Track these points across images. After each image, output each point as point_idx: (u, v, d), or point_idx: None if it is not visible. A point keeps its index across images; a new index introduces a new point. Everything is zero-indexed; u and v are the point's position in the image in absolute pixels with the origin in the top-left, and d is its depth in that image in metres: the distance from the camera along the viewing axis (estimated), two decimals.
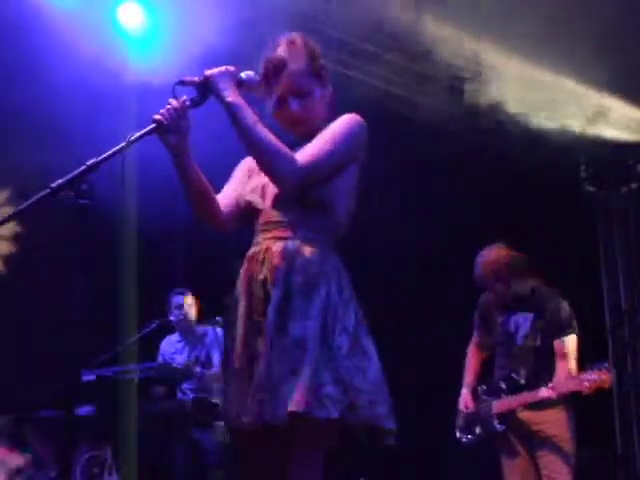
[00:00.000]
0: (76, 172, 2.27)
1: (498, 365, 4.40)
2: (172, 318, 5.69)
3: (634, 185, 6.67)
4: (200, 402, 5.36)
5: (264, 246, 2.46)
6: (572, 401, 4.24)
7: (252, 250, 2.51)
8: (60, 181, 2.27)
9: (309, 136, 2.51)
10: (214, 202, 2.62)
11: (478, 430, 4.35)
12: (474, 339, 4.63)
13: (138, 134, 2.37)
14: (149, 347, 5.53)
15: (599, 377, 4.03)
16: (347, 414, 2.29)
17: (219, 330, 5.60)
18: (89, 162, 2.29)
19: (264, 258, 2.44)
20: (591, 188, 6.77)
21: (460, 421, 4.45)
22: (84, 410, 4.92)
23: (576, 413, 4.26)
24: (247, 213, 2.58)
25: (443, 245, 6.20)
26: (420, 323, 6.12)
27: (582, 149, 6.38)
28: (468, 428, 4.40)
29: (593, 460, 5.42)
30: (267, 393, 2.27)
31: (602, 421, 6.17)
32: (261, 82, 2.51)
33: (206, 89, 2.41)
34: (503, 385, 4.26)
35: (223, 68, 2.40)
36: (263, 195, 2.54)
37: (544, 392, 4.09)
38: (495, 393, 4.30)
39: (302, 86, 2.52)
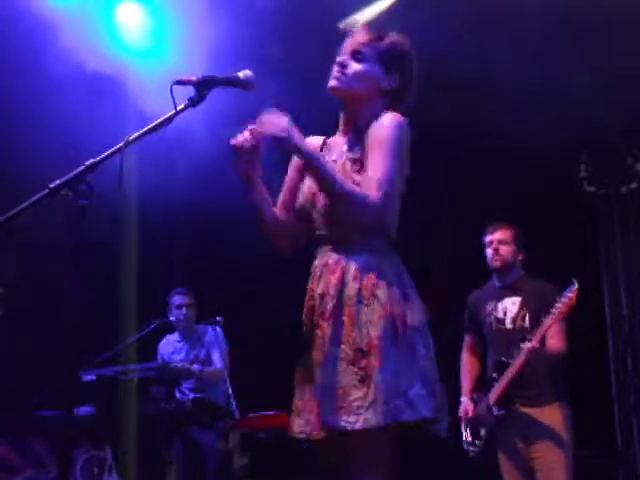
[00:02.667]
0: (75, 172, 2.28)
1: (490, 357, 4.38)
2: (172, 318, 5.68)
3: (634, 185, 6.66)
4: (199, 402, 5.36)
5: (322, 260, 2.51)
6: (569, 399, 4.23)
7: (314, 264, 2.55)
8: (59, 181, 2.27)
9: (340, 96, 2.55)
10: (278, 225, 2.65)
11: (483, 432, 4.31)
12: (466, 343, 4.61)
13: (136, 133, 2.36)
14: (149, 347, 5.53)
15: (567, 298, 4.05)
16: (436, 413, 2.32)
17: (218, 329, 5.61)
18: (88, 162, 2.29)
19: (322, 272, 2.49)
20: (591, 188, 6.76)
21: (464, 431, 4.39)
22: (84, 410, 4.92)
23: (574, 412, 4.25)
24: (301, 217, 2.60)
25: (443, 245, 6.20)
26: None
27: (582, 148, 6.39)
28: (474, 435, 4.34)
29: (593, 459, 5.41)
30: (333, 401, 2.28)
31: (602, 420, 6.16)
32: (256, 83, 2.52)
33: (203, 88, 2.42)
34: (495, 375, 4.24)
35: (278, 117, 2.40)
36: (314, 203, 2.54)
37: (526, 346, 4.04)
38: (489, 387, 4.28)
39: (361, 52, 2.54)
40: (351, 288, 2.38)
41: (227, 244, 6.69)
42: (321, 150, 2.62)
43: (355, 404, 2.26)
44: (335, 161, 2.53)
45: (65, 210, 2.29)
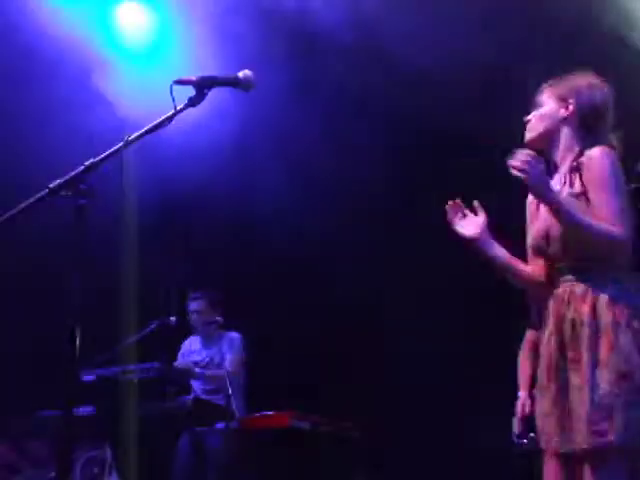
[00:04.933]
0: (74, 172, 2.28)
1: None
2: (190, 321, 5.77)
3: (634, 185, 6.64)
4: (200, 403, 5.36)
5: (567, 288, 2.66)
6: None
7: (558, 291, 2.68)
8: (59, 181, 2.28)
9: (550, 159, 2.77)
10: (523, 272, 2.86)
11: (533, 433, 4.24)
12: (527, 339, 4.55)
13: (136, 133, 2.36)
14: (149, 347, 5.52)
15: None
16: None
17: (236, 335, 5.69)
18: (87, 162, 2.29)
19: (569, 300, 2.64)
20: None
21: (517, 427, 4.38)
22: (84, 410, 4.91)
23: None
24: (539, 256, 2.79)
25: (442, 245, 6.19)
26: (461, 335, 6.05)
27: None
28: (529, 430, 4.27)
29: None
30: (601, 424, 2.47)
31: None
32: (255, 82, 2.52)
33: (203, 88, 2.42)
34: None
35: (531, 161, 2.56)
36: (547, 238, 2.71)
37: None
38: None
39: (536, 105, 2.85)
40: (606, 317, 2.56)
41: (228, 244, 6.69)
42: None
43: (621, 424, 2.46)
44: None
45: (65, 210, 2.29)
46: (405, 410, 6.04)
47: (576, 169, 2.70)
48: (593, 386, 2.50)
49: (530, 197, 2.89)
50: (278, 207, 5.97)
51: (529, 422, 4.30)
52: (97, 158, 2.30)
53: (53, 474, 4.85)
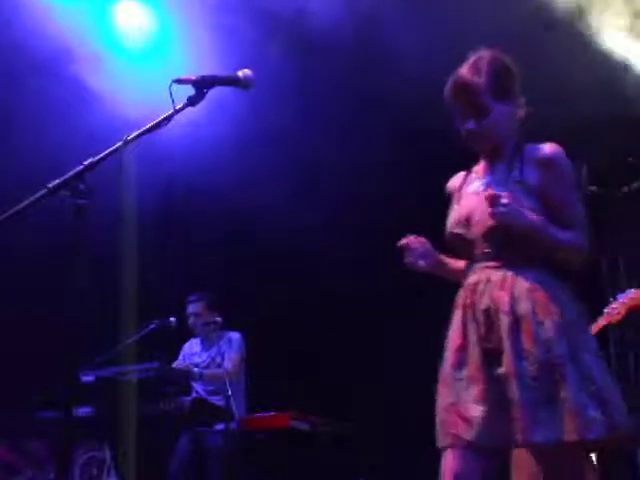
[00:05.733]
0: (73, 172, 2.27)
1: None
2: (188, 323, 5.78)
3: (636, 184, 6.64)
4: (199, 403, 5.35)
5: (483, 276, 2.56)
6: None
7: (471, 280, 2.59)
8: (57, 181, 2.27)
9: (495, 153, 2.64)
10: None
11: None
12: None
13: (135, 133, 2.35)
14: (149, 348, 5.51)
15: (627, 299, 4.08)
16: (611, 432, 2.40)
17: (236, 335, 5.69)
18: (86, 162, 2.28)
19: (484, 288, 2.54)
20: (592, 188, 6.74)
21: None
22: (83, 411, 4.90)
23: None
24: (457, 243, 2.68)
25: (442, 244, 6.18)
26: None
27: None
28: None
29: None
30: (526, 419, 2.36)
31: None
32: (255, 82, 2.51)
33: (203, 87, 2.41)
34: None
35: (505, 200, 2.45)
36: (468, 225, 2.62)
37: None
38: None
39: (478, 105, 2.58)
40: (525, 306, 2.46)
41: (227, 243, 6.69)
42: (463, 184, 2.73)
43: (545, 420, 2.36)
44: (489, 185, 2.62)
45: (64, 209, 2.29)
46: (405, 410, 6.03)
47: (519, 157, 2.60)
48: (520, 379, 2.39)
49: (451, 184, 2.81)
50: (278, 207, 5.97)
51: None
52: (96, 158, 2.29)
53: (52, 475, 4.85)
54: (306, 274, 6.32)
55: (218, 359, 5.48)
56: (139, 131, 2.37)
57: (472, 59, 2.62)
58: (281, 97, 5.33)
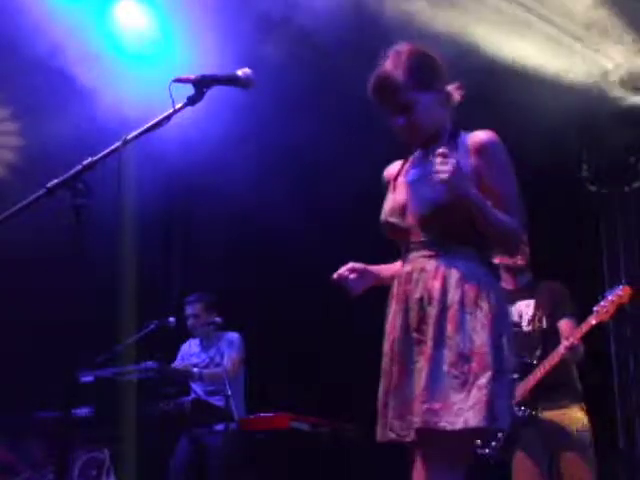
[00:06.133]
0: (72, 172, 2.27)
1: None
2: (188, 326, 5.77)
3: (636, 184, 6.64)
4: (199, 404, 5.35)
5: (417, 265, 2.54)
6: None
7: (406, 269, 2.57)
8: (56, 181, 2.27)
9: (429, 142, 2.59)
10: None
11: (500, 433, 4.25)
12: None
13: (134, 132, 2.35)
14: (148, 348, 5.51)
15: (615, 296, 4.05)
16: (509, 427, 2.43)
17: (234, 335, 5.68)
18: (85, 161, 2.28)
19: (418, 278, 2.52)
20: (592, 187, 6.74)
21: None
22: (82, 411, 4.90)
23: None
24: (391, 232, 2.65)
25: None
26: None
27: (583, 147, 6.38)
28: (490, 438, 4.25)
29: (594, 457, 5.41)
30: (435, 402, 2.36)
31: (604, 421, 6.15)
32: (255, 81, 2.49)
33: (202, 86, 2.40)
34: (515, 375, 4.21)
35: (451, 167, 2.39)
36: (403, 214, 2.59)
37: (564, 344, 4.04)
38: None
39: (403, 102, 2.54)
40: (454, 294, 2.44)
41: (228, 243, 6.68)
42: (399, 173, 2.70)
43: (456, 407, 2.35)
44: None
45: (64, 209, 2.28)
46: None
47: (453, 145, 2.55)
48: (433, 365, 2.38)
49: (388, 173, 2.77)
50: (279, 207, 5.96)
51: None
52: (95, 157, 2.29)
53: (52, 475, 4.84)
54: (307, 274, 6.31)
55: (217, 359, 5.47)
56: (138, 130, 2.37)
57: (390, 55, 2.58)
58: (282, 98, 5.32)
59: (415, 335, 2.47)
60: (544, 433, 4.17)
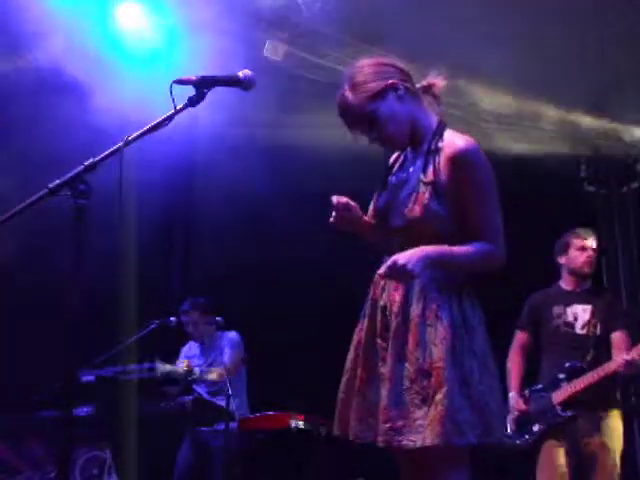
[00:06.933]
0: (74, 172, 2.28)
1: (551, 359, 4.40)
2: (188, 332, 5.78)
3: (634, 185, 6.66)
4: (200, 403, 5.36)
5: None
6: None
7: (379, 271, 2.51)
8: (58, 181, 2.28)
9: (415, 141, 2.57)
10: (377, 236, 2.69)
11: (537, 427, 4.34)
12: (518, 340, 4.64)
13: (136, 133, 2.36)
14: (149, 348, 5.52)
15: None
16: (484, 438, 2.36)
17: (234, 334, 5.69)
18: (87, 162, 2.29)
19: (384, 285, 2.51)
20: (591, 188, 6.76)
21: (511, 424, 4.43)
22: (83, 410, 4.92)
23: None
24: (377, 227, 2.65)
25: None
26: None
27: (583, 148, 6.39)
28: (523, 429, 4.39)
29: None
30: (397, 421, 2.35)
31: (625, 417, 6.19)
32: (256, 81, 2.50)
33: (203, 87, 2.41)
34: (561, 376, 4.28)
35: (400, 263, 2.35)
36: (386, 216, 2.59)
37: (625, 357, 4.11)
38: (552, 387, 4.32)
39: (364, 118, 2.53)
40: (415, 308, 2.42)
41: (228, 243, 6.69)
42: (395, 163, 2.68)
43: (418, 422, 2.34)
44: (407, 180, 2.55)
45: (65, 210, 2.29)
46: None
47: (434, 153, 2.49)
48: (396, 381, 2.37)
49: (391, 160, 2.71)
50: (279, 207, 5.97)
51: (521, 421, 4.37)
52: (97, 158, 2.30)
53: (52, 475, 4.85)
54: (307, 274, 6.32)
55: (219, 360, 5.49)
56: (140, 131, 2.38)
57: (345, 77, 2.57)
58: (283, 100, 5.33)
59: (379, 341, 2.47)
60: (581, 434, 4.26)
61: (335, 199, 2.59)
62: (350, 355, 2.60)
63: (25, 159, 5.07)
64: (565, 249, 4.53)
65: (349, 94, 2.53)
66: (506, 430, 4.40)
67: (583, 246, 4.49)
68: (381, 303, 2.50)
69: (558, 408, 4.24)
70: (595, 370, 4.18)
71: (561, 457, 4.27)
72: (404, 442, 2.33)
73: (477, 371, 2.38)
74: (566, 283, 4.52)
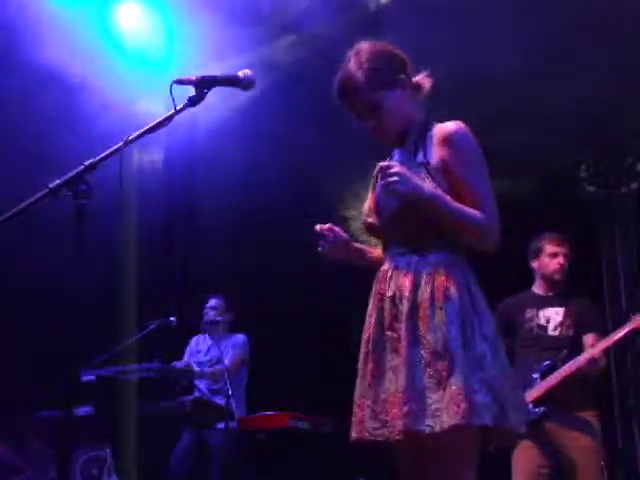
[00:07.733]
0: (74, 172, 2.28)
1: (526, 362, 4.36)
2: (204, 318, 5.76)
3: (634, 185, 6.66)
4: (200, 402, 5.36)
5: (392, 264, 2.52)
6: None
7: (383, 268, 2.55)
8: (58, 181, 2.28)
9: (403, 138, 2.57)
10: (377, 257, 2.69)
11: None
12: None
13: (136, 133, 2.36)
14: (149, 348, 5.53)
15: (634, 323, 4.14)
16: (499, 421, 2.33)
17: (240, 336, 5.71)
18: (87, 162, 2.29)
19: (392, 275, 2.50)
20: (591, 188, 6.76)
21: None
22: (84, 410, 4.91)
23: None
24: (371, 232, 2.65)
25: None
26: None
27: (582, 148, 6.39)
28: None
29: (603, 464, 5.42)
30: (414, 404, 2.32)
31: (602, 420, 6.17)
32: (256, 81, 2.51)
33: (203, 87, 2.42)
34: (535, 375, 4.26)
35: (396, 169, 2.37)
36: (378, 213, 2.59)
37: (585, 356, 4.11)
38: (526, 387, 4.27)
39: (368, 103, 2.52)
40: (424, 291, 2.42)
41: (229, 244, 6.69)
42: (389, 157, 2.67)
43: (434, 406, 2.32)
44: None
45: (65, 209, 2.29)
46: None
47: (423, 139, 2.51)
48: (410, 366, 2.35)
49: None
50: (280, 207, 5.98)
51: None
52: (97, 158, 2.30)
53: (53, 474, 4.85)
54: (307, 274, 6.33)
55: (222, 358, 5.50)
56: (140, 131, 2.38)
57: (350, 56, 2.56)
58: (283, 100, 5.34)
59: (389, 333, 2.45)
60: (554, 433, 4.23)
61: (319, 227, 2.59)
62: (361, 355, 2.56)
63: (25, 159, 5.07)
64: (537, 254, 4.50)
65: (360, 75, 2.51)
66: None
67: (555, 252, 4.46)
68: (389, 293, 2.48)
69: (530, 405, 4.22)
70: (567, 364, 4.17)
71: (536, 458, 4.24)
72: (421, 427, 2.31)
73: (490, 355, 2.38)
74: (538, 287, 4.50)
